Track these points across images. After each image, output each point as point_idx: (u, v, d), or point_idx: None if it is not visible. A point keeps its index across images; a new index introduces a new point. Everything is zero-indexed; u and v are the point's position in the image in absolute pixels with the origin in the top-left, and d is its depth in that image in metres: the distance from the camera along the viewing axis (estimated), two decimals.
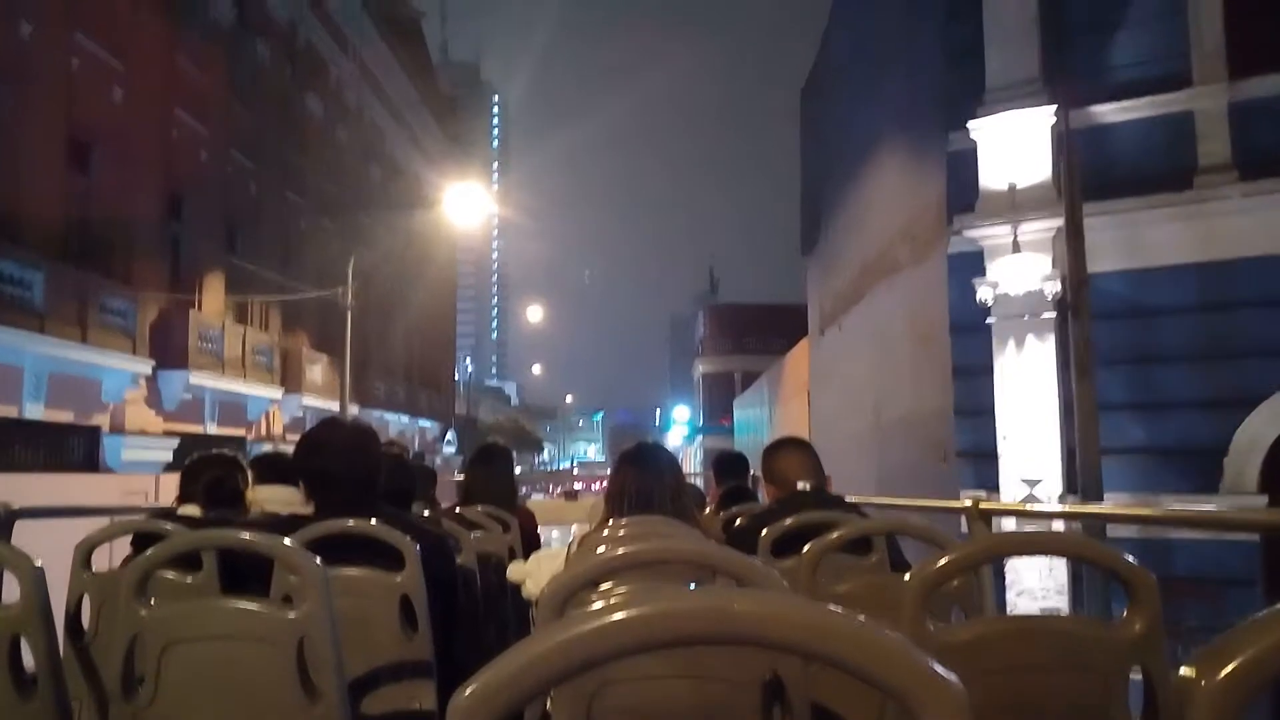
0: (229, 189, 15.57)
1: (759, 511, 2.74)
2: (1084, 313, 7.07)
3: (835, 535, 1.89)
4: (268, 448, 16.16)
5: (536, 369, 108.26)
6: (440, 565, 1.98)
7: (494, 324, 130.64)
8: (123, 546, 2.22)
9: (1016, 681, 1.29)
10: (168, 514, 2.35)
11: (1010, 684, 1.28)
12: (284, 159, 17.72)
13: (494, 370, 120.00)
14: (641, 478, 2.21)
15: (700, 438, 44.98)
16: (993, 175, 8.57)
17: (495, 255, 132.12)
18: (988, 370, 8.47)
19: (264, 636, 1.45)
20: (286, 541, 1.55)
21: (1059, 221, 7.94)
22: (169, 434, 13.27)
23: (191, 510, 2.35)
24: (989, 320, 8.49)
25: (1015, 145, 8.44)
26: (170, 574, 1.90)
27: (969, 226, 8.48)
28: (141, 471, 11.95)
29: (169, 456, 13.03)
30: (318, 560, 1.48)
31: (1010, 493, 7.89)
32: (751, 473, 4.84)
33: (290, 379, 17.21)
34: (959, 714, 0.50)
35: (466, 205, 15.30)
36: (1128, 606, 1.31)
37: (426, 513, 3.26)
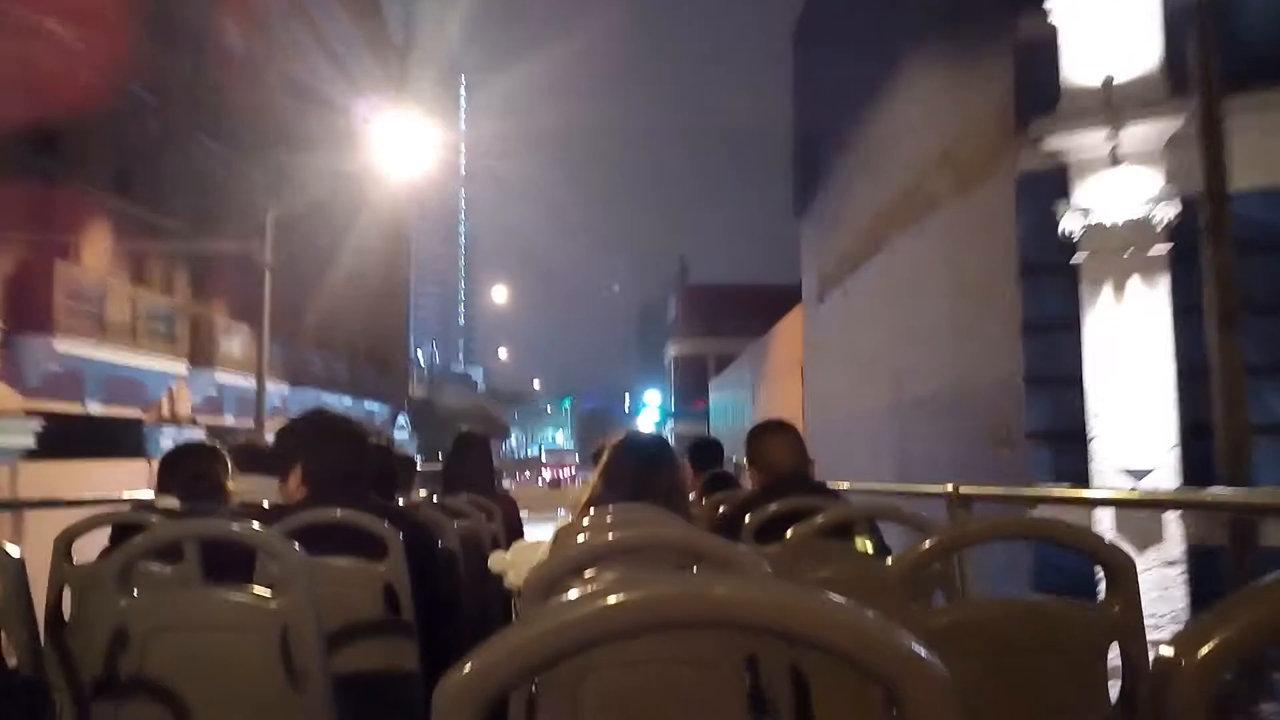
0: (121, 123, 13.28)
1: (743, 498, 2.78)
2: (1225, 238, 5.05)
3: (819, 520, 1.97)
4: (171, 431, 13.77)
5: (503, 353, 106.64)
6: (424, 553, 2.05)
7: (461, 309, 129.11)
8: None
9: (999, 663, 1.35)
10: (146, 506, 2.41)
11: (992, 665, 1.34)
12: (196, 96, 15.35)
13: (461, 356, 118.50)
14: (641, 468, 2.26)
15: (671, 422, 43.64)
16: (1080, 67, 6.64)
17: (462, 240, 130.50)
18: (1071, 325, 6.53)
19: (248, 626, 1.51)
20: (267, 531, 1.62)
21: (1175, 122, 6.13)
22: (32, 414, 10.81)
23: (169, 502, 2.35)
24: (1076, 259, 6.50)
25: (1112, 25, 6.45)
26: (151, 565, 1.91)
27: (1051, 133, 6.44)
28: None
29: (30, 441, 10.67)
30: (299, 549, 1.55)
31: (1108, 485, 5.95)
32: (734, 459, 4.87)
33: (200, 351, 15.02)
34: (942, 695, 0.52)
35: (409, 146, 13.09)
36: (1106, 589, 1.38)
37: (400, 501, 3.21)
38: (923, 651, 0.51)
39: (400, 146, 14.31)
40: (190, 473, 2.41)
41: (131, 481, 12.50)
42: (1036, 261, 6.66)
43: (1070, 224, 6.44)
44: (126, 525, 2.11)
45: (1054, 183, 6.59)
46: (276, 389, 18.21)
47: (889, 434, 9.73)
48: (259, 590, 1.54)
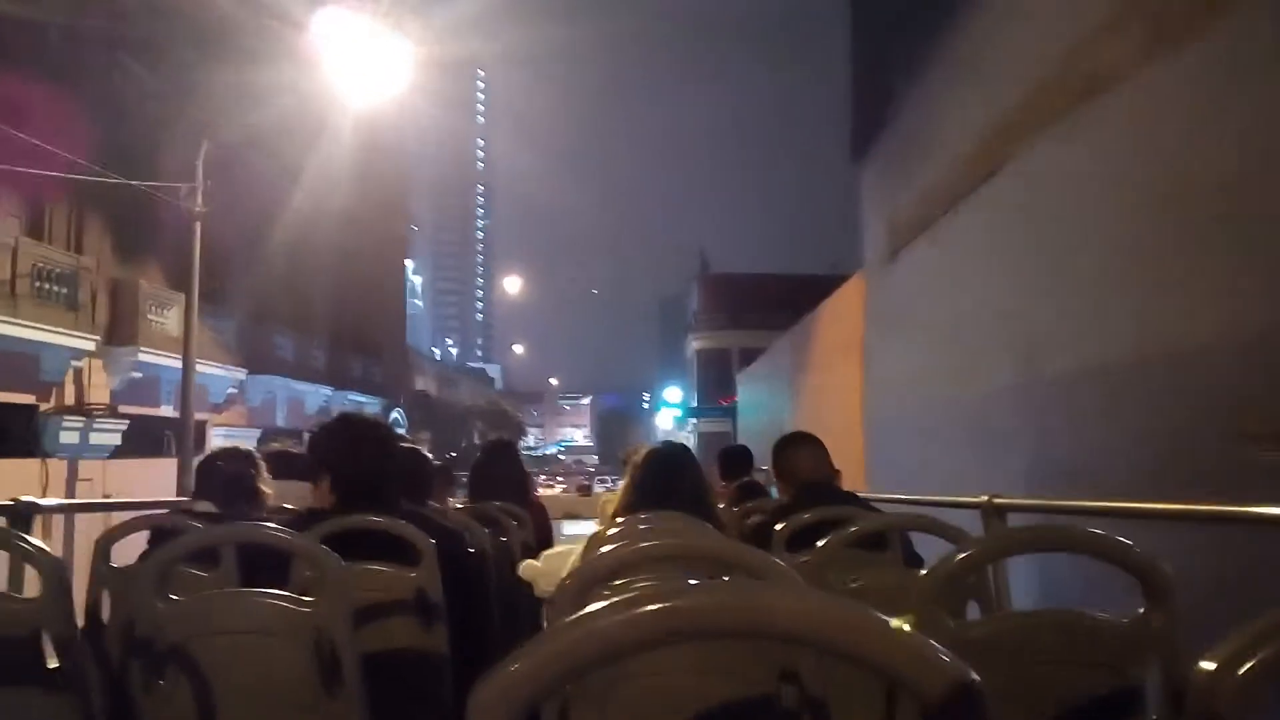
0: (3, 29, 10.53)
1: (773, 507, 2.94)
2: None
3: (851, 531, 2.01)
4: (76, 423, 11.26)
5: (519, 349, 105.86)
6: (455, 561, 2.10)
7: (479, 305, 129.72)
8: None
9: (1034, 676, 1.35)
10: (184, 511, 2.48)
11: (1028, 678, 1.34)
12: (114, 4, 12.52)
13: (479, 352, 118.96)
14: (667, 475, 2.37)
15: (694, 421, 41.75)
16: None
17: (480, 236, 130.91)
18: None
19: (283, 630, 1.56)
20: (304, 536, 1.67)
21: None
22: None
23: (207, 506, 2.45)
24: None
25: None
26: (189, 569, 1.99)
27: None
28: None
29: None
30: (333, 555, 1.60)
31: None
32: (763, 467, 4.61)
33: (120, 325, 12.51)
34: (977, 709, 0.52)
35: (374, 57, 10.71)
36: (1145, 602, 1.39)
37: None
38: (958, 664, 0.53)
39: (378, 78, 11.99)
40: (227, 478, 2.50)
41: (23, 485, 10.14)
42: None
43: None
44: (164, 529, 2.23)
45: None
46: (228, 374, 15.85)
47: (1014, 429, 7.07)
48: (294, 595, 1.59)
